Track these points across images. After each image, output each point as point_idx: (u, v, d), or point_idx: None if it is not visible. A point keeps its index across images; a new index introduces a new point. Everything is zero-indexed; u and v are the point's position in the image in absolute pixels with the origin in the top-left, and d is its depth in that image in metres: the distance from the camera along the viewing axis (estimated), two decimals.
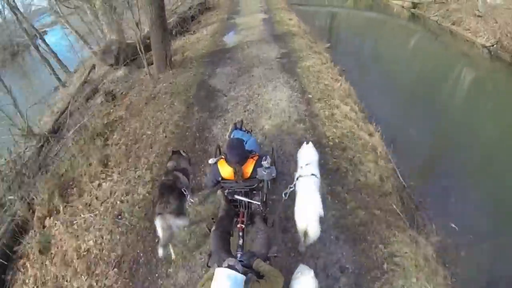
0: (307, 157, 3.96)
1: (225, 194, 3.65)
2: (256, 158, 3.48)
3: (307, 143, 4.22)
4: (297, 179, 3.74)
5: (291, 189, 3.68)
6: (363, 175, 4.99)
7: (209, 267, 2.98)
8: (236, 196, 3.50)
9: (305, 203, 3.45)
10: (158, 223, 3.67)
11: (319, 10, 20.65)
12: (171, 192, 3.86)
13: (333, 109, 6.60)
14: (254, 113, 6.82)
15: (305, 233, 3.47)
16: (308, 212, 3.38)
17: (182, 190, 3.98)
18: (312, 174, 3.66)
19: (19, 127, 7.59)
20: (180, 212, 3.79)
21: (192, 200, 4.17)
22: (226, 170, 3.44)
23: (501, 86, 9.68)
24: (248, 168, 3.43)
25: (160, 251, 3.81)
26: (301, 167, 3.84)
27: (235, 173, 3.40)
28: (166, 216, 3.66)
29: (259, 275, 2.57)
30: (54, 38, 19.25)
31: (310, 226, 3.37)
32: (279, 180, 4.54)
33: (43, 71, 13.98)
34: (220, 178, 3.53)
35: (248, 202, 3.51)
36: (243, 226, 3.40)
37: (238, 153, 3.39)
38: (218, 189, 3.85)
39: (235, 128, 4.78)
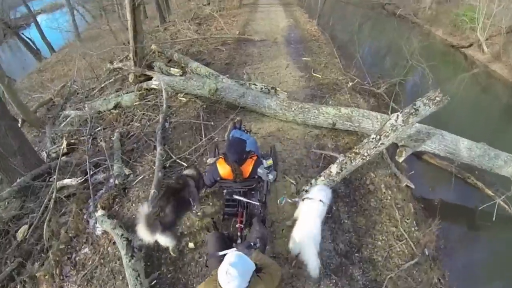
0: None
1: (224, 193, 3.26)
2: (255, 158, 3.08)
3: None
4: (303, 199, 3.30)
5: (289, 201, 3.46)
6: None
7: (207, 267, 2.80)
8: (235, 196, 3.08)
9: (305, 234, 2.98)
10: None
11: None
12: (172, 200, 3.11)
13: None
14: None
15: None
16: (307, 245, 2.91)
17: (190, 199, 3.33)
18: (320, 201, 3.16)
19: None
20: (168, 228, 3.03)
21: (198, 212, 3.65)
22: (225, 170, 3.02)
23: None
24: (247, 168, 3.03)
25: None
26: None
27: (233, 172, 2.98)
28: (156, 224, 2.94)
29: (257, 267, 2.09)
30: None
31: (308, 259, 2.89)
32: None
33: None
34: (218, 178, 3.09)
35: (247, 202, 3.09)
36: (242, 226, 3.03)
37: (238, 153, 2.98)
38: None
39: (234, 127, 4.01)
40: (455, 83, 10.40)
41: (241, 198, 3.06)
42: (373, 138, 3.48)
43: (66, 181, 4.22)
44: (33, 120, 7.32)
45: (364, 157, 3.54)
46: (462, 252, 4.48)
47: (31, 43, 16.37)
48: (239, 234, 2.98)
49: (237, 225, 3.05)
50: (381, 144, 3.48)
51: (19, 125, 7.49)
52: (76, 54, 9.81)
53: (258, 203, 3.09)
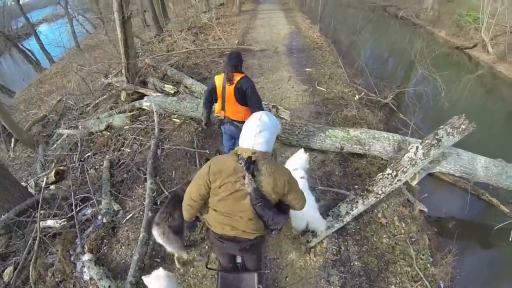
0: (298, 163, 3.40)
1: None
2: (243, 75, 3.12)
3: (305, 152, 3.55)
4: None
5: None
6: None
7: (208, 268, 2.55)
8: None
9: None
10: (155, 233, 2.89)
11: None
12: (178, 206, 2.56)
13: None
14: None
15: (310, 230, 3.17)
16: (307, 214, 2.97)
17: None
18: (301, 178, 3.19)
19: None
20: (177, 233, 2.90)
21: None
22: (220, 79, 3.16)
23: None
24: (236, 77, 3.06)
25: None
26: None
27: (227, 78, 3.08)
28: (164, 227, 2.85)
29: None
30: None
31: (313, 223, 3.07)
32: None
33: None
34: (213, 89, 3.22)
35: None
36: None
37: (234, 62, 3.10)
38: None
39: None
40: (460, 85, 9.92)
41: None
42: (388, 174, 3.01)
43: (49, 222, 3.80)
44: (26, 139, 6.94)
45: (378, 195, 3.07)
46: (478, 281, 4.03)
47: (30, 54, 15.97)
48: None
49: None
50: (398, 180, 3.01)
51: (12, 145, 7.18)
52: (72, 67, 9.41)
53: None
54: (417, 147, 2.95)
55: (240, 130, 3.32)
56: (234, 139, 3.54)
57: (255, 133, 1.74)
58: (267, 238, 3.34)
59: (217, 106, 3.29)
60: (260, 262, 2.43)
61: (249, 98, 3.11)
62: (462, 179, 4.81)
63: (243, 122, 3.30)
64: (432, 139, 2.95)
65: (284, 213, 1.90)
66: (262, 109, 3.22)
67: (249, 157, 1.71)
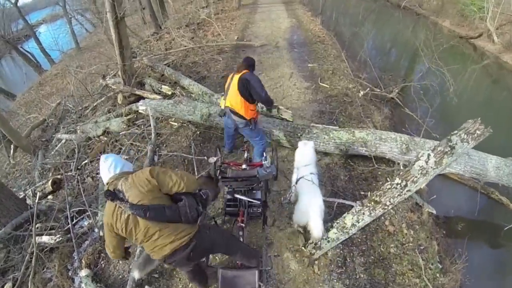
0: (307, 158, 3.36)
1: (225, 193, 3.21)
2: (247, 72, 3.40)
3: (306, 143, 3.51)
4: (296, 181, 3.25)
5: (291, 194, 3.31)
6: None
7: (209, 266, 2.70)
8: (236, 195, 2.99)
9: (307, 203, 2.98)
10: None
11: None
12: None
13: None
14: None
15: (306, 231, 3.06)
16: (310, 212, 2.89)
17: None
18: (311, 173, 3.20)
19: None
20: None
21: None
22: (230, 76, 3.47)
23: None
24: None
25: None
26: (298, 168, 3.36)
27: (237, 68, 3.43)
28: None
29: None
30: None
31: (313, 226, 2.86)
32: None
33: None
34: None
35: (248, 201, 2.97)
36: (243, 225, 2.90)
37: (247, 62, 3.45)
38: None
39: None
40: (466, 76, 9.55)
41: (242, 197, 2.96)
42: (397, 184, 2.76)
43: (45, 238, 3.65)
44: (26, 145, 6.81)
45: (385, 207, 2.83)
46: (487, 285, 3.79)
47: (30, 57, 15.80)
48: (240, 233, 2.88)
49: (238, 225, 2.95)
50: (407, 191, 2.77)
51: (12, 151, 7.05)
52: (70, 70, 9.21)
53: (259, 202, 3.01)
54: (429, 155, 2.69)
55: (235, 123, 3.46)
56: (232, 137, 3.91)
57: (102, 167, 1.99)
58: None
59: (221, 100, 3.53)
60: (231, 241, 2.48)
61: (251, 88, 3.31)
62: (472, 178, 4.56)
63: (238, 115, 3.38)
64: (445, 146, 2.68)
65: (180, 200, 1.94)
66: (267, 99, 3.48)
67: (107, 191, 1.85)
